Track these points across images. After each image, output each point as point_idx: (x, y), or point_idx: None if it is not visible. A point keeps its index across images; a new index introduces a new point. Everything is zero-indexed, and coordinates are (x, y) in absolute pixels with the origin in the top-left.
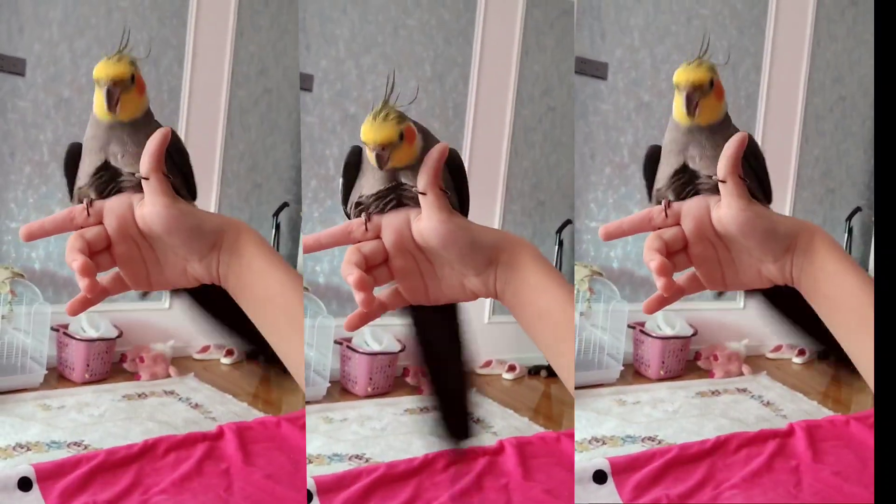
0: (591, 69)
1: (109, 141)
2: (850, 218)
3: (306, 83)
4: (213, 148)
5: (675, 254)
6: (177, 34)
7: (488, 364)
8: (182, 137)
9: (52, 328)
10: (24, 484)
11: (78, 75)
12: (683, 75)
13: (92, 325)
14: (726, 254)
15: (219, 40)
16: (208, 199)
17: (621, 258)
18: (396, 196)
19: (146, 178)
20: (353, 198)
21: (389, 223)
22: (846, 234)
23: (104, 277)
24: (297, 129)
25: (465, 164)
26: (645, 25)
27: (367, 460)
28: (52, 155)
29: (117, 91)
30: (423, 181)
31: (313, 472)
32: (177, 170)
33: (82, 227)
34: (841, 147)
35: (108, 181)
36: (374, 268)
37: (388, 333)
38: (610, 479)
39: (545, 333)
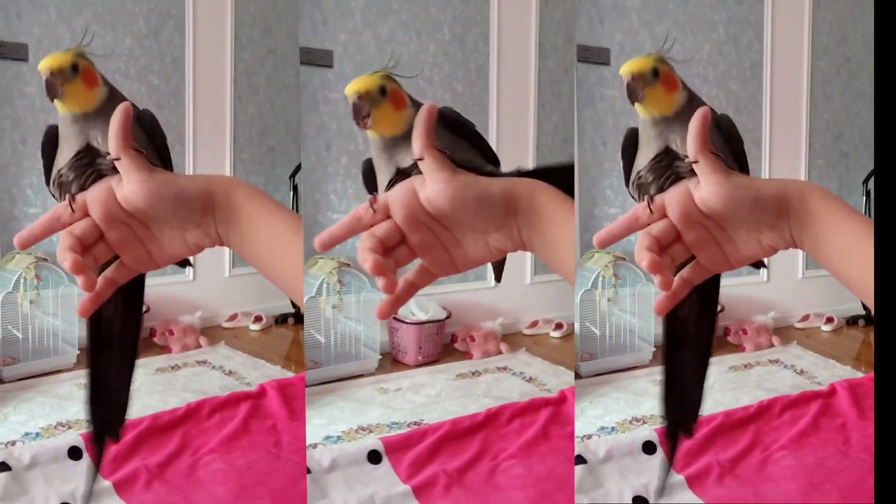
0: (594, 56)
1: (83, 129)
2: (866, 181)
3: (327, 59)
4: (223, 114)
5: (669, 246)
6: (175, 3)
7: (535, 324)
8: (190, 106)
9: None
10: (74, 453)
11: None
12: (624, 67)
13: None
14: (721, 233)
15: (218, 4)
16: (222, 166)
17: None
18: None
19: (118, 159)
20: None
21: (396, 198)
22: (864, 198)
23: (108, 269)
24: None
25: (493, 125)
26: (642, 6)
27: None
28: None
29: (57, 82)
30: (417, 145)
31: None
32: (149, 144)
33: (70, 224)
34: (851, 110)
35: (88, 164)
36: (392, 249)
37: (434, 302)
38: (659, 449)
39: (563, 260)
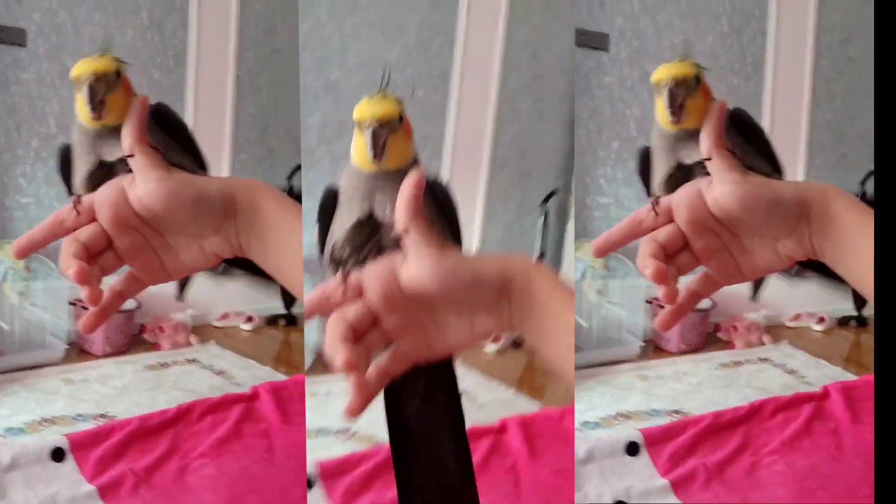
0: (592, 41)
1: (101, 145)
2: (863, 182)
3: (19, 37)
4: (223, 113)
5: (676, 254)
6: None
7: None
8: (191, 103)
9: (70, 302)
10: (58, 454)
11: (81, 43)
12: (665, 71)
13: None
14: (734, 239)
15: (223, 0)
16: (220, 165)
17: None
18: (374, 243)
19: (131, 156)
20: (328, 249)
21: (373, 277)
22: (860, 199)
23: (116, 280)
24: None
25: (449, 135)
26: None
27: (110, 418)
28: (59, 127)
29: (101, 89)
30: (402, 217)
31: (59, 432)
32: (176, 146)
33: (74, 230)
34: (853, 110)
35: (104, 177)
36: (98, 255)
37: None
38: (643, 451)
39: (561, 351)
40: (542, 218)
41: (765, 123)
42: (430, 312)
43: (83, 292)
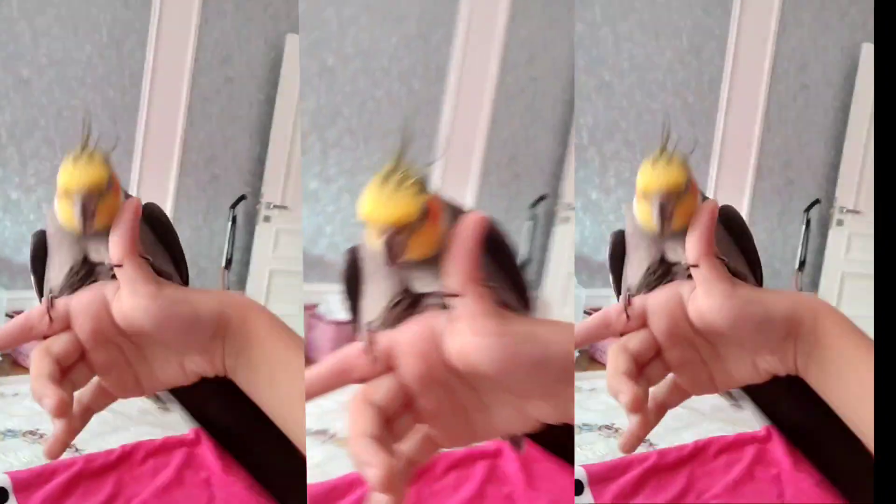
0: None
1: (86, 244)
2: (808, 209)
3: None
4: (173, 136)
5: (646, 365)
6: (140, 17)
7: None
8: (142, 124)
9: (7, 314)
10: (0, 495)
11: (38, 54)
12: (654, 181)
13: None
14: (710, 351)
15: (183, 25)
16: (166, 189)
17: (578, 243)
18: (411, 304)
19: (119, 266)
20: (361, 318)
21: (407, 346)
22: (804, 226)
23: (84, 392)
24: (259, 120)
25: (443, 130)
26: (607, 0)
27: (41, 435)
28: (10, 138)
29: (93, 204)
30: (457, 275)
31: None
32: (164, 253)
33: (44, 338)
34: (802, 138)
35: (86, 276)
36: (70, 368)
37: None
38: (587, 490)
39: None
40: (531, 222)
41: (716, 143)
42: (474, 391)
43: (57, 424)
